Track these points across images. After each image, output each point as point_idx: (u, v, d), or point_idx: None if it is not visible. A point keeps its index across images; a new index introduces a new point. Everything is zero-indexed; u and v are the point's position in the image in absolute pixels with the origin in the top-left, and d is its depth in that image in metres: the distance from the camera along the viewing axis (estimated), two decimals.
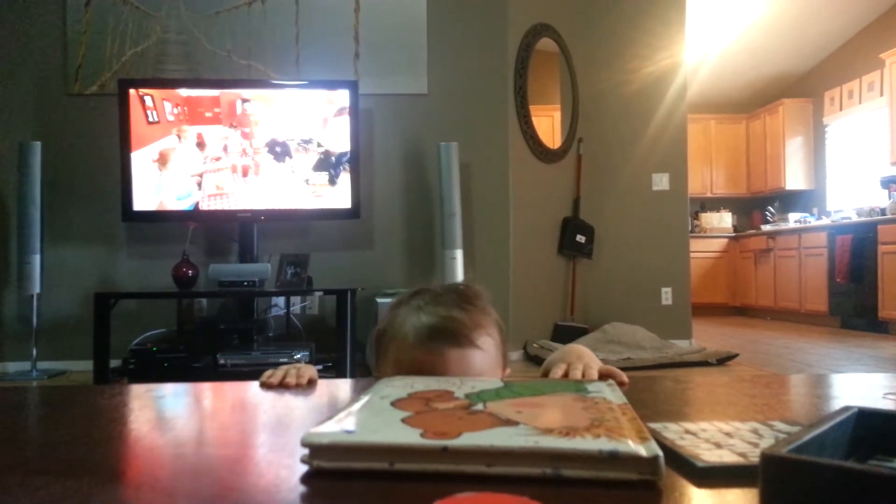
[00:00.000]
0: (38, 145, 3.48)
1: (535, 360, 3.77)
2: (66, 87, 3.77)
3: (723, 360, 3.75)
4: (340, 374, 3.26)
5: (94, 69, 3.77)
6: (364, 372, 3.58)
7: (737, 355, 3.87)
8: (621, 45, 4.71)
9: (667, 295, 4.65)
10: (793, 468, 0.32)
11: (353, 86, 3.61)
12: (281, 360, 3.19)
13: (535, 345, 3.99)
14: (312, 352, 3.41)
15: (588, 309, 4.63)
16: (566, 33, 4.57)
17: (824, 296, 5.96)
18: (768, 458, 0.33)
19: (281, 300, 3.75)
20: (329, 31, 3.88)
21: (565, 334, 4.26)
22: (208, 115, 3.51)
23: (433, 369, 0.86)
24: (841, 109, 6.73)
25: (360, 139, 3.67)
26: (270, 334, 3.72)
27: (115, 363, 3.26)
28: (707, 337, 5.14)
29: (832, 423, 0.39)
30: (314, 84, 3.62)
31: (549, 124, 5.03)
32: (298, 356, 3.23)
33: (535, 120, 4.29)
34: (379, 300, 3.53)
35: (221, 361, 3.21)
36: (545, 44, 4.42)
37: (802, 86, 7.38)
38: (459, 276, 3.58)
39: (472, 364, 0.88)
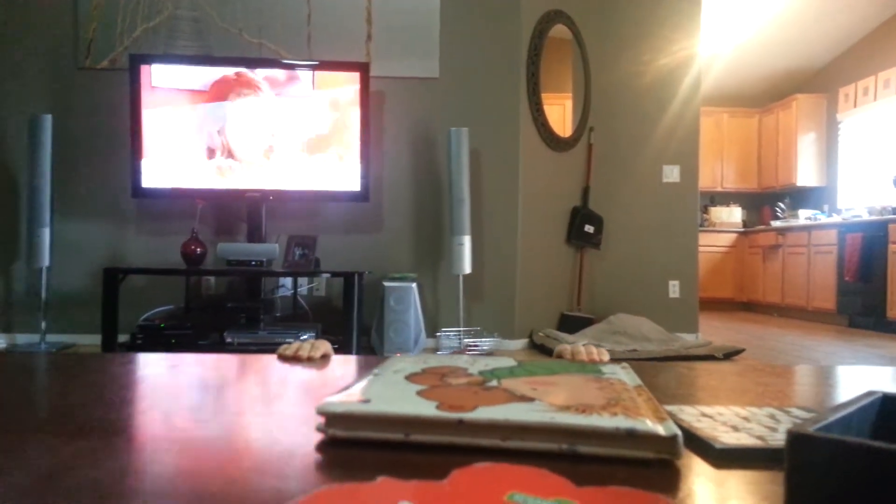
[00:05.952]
0: (48, 118, 3.48)
1: (540, 348, 3.77)
2: (77, 62, 3.76)
3: (729, 355, 3.74)
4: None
5: (106, 44, 3.76)
6: (369, 355, 3.59)
7: (743, 350, 3.85)
8: (636, 36, 4.66)
9: (674, 288, 4.63)
10: (821, 447, 0.31)
11: (364, 68, 3.59)
12: (287, 339, 3.20)
13: (540, 333, 3.99)
14: (318, 333, 3.42)
15: (595, 299, 4.62)
16: (580, 20, 4.52)
17: (832, 294, 5.93)
18: (795, 437, 0.32)
19: (288, 281, 3.76)
20: (341, 12, 3.85)
21: (572, 324, 4.25)
22: (218, 92, 3.50)
23: None
24: (855, 106, 6.65)
25: (371, 122, 3.65)
26: (277, 314, 3.73)
27: (122, 338, 3.28)
28: (713, 331, 5.12)
29: (857, 406, 0.39)
30: (325, 65, 3.60)
31: (560, 112, 4.99)
32: (305, 337, 3.24)
33: (546, 108, 4.26)
34: (386, 283, 3.53)
35: (228, 339, 3.23)
36: (559, 30, 4.38)
37: (817, 81, 7.30)
38: (467, 262, 3.58)
39: None
